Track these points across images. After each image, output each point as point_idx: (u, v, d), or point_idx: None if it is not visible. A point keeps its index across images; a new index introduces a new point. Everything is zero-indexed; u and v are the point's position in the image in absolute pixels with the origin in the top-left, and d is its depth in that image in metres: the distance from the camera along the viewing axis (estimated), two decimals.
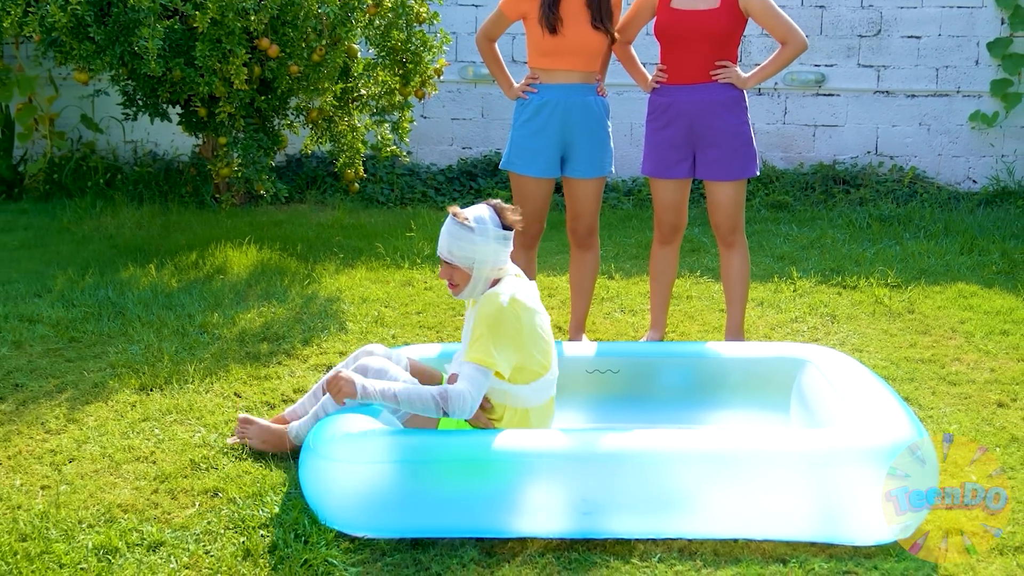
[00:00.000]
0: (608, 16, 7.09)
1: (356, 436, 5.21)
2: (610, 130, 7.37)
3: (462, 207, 5.61)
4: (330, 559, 4.90)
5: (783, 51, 7.18)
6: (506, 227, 5.63)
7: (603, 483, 5.08)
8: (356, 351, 6.02)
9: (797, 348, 6.52)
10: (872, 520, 5.00)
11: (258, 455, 5.84)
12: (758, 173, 7.45)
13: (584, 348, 6.74)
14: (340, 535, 5.05)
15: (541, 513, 5.06)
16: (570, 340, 7.47)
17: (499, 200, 5.72)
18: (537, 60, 7.23)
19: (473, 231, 5.55)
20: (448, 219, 5.62)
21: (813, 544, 5.07)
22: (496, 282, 5.64)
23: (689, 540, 5.06)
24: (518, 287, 5.59)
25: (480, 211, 5.63)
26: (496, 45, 7.51)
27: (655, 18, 7.26)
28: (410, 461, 5.10)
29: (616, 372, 6.54)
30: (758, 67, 7.23)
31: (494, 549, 5.05)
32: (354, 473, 5.11)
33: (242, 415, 6.03)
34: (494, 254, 5.60)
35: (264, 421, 6.00)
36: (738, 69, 7.15)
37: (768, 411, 6.33)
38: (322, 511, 5.12)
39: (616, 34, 7.16)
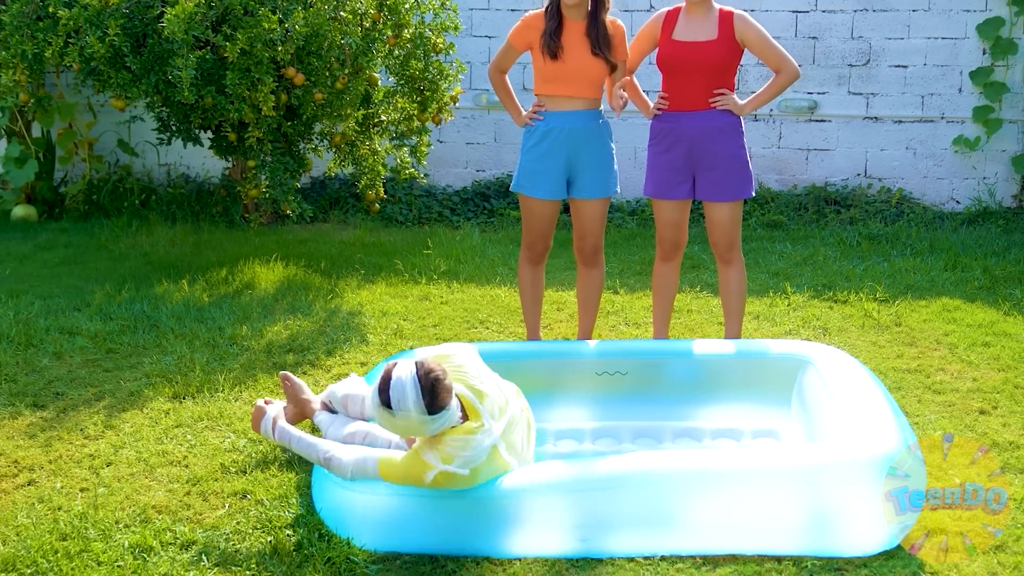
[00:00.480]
0: (606, 44, 7.08)
1: None
2: (614, 153, 7.37)
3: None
4: (351, 557, 4.91)
5: (777, 79, 7.19)
6: (437, 409, 4.94)
7: (601, 508, 5.07)
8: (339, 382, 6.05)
9: (801, 346, 6.55)
10: (861, 532, 4.99)
11: (285, 460, 5.85)
12: (754, 194, 7.48)
13: (593, 347, 6.79)
14: None
15: (541, 538, 5.05)
16: None
17: (432, 365, 5.00)
18: (541, 87, 7.25)
19: (392, 414, 4.95)
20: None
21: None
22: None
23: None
24: (460, 451, 4.99)
25: (403, 390, 4.92)
26: (507, 76, 7.53)
27: (657, 49, 7.27)
28: (420, 495, 5.10)
29: (624, 374, 6.55)
30: (754, 94, 7.24)
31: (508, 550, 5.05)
32: (369, 502, 5.13)
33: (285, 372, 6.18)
34: (421, 428, 4.98)
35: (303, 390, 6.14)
36: (735, 96, 7.16)
37: (771, 407, 6.36)
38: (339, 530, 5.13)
39: (615, 61, 7.16)
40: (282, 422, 5.59)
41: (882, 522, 4.96)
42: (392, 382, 4.95)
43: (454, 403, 5.05)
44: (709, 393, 6.52)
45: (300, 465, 5.78)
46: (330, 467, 5.22)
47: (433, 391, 4.93)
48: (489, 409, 5.21)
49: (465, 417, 5.16)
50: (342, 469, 5.17)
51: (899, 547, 4.99)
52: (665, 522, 5.04)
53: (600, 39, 7.07)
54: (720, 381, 6.54)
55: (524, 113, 7.34)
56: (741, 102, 7.19)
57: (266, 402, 5.78)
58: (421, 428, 4.97)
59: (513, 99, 7.50)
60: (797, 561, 4.93)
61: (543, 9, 7.19)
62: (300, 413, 6.10)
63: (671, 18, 7.24)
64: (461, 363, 5.35)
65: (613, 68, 7.17)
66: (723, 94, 7.12)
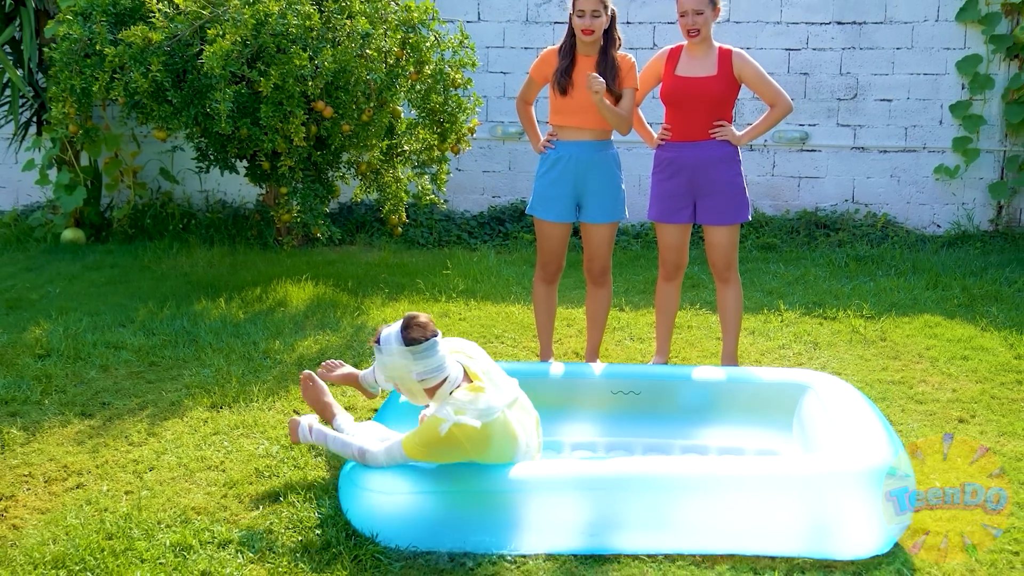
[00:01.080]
0: (613, 78, 7.13)
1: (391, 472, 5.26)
2: (622, 181, 7.40)
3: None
4: (376, 555, 4.92)
5: (772, 112, 7.21)
6: (410, 341, 5.23)
7: (610, 507, 5.09)
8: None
9: (802, 374, 6.53)
10: (854, 538, 4.99)
11: (314, 465, 5.86)
12: (750, 218, 7.47)
13: (605, 369, 6.79)
14: None
15: (552, 534, 5.06)
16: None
17: (419, 314, 5.33)
18: (554, 117, 7.32)
19: (380, 351, 5.33)
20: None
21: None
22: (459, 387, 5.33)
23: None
24: (470, 404, 5.17)
25: (390, 330, 5.32)
26: (532, 107, 7.58)
27: (660, 84, 7.32)
28: (434, 492, 5.14)
29: (638, 394, 6.54)
30: (750, 126, 7.26)
31: (519, 548, 5.06)
32: (390, 502, 5.14)
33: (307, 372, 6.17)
34: (405, 369, 5.25)
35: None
36: (733, 128, 7.18)
37: (773, 430, 6.34)
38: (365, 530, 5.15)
39: (619, 92, 7.19)
40: (318, 424, 5.64)
41: (874, 528, 4.96)
42: (385, 327, 5.35)
43: (449, 363, 5.33)
44: (716, 415, 6.50)
45: (328, 469, 5.79)
46: (365, 460, 5.27)
47: (407, 325, 5.24)
48: (491, 379, 5.40)
49: (469, 381, 5.34)
50: (376, 459, 5.24)
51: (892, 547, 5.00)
52: (668, 523, 5.04)
53: (608, 75, 7.12)
54: (726, 404, 6.51)
55: (540, 141, 7.41)
56: (739, 133, 7.22)
57: (296, 413, 5.81)
58: (404, 365, 5.25)
59: (535, 128, 7.59)
60: (789, 560, 4.94)
61: (559, 46, 7.28)
62: (322, 416, 6.08)
63: (674, 55, 7.29)
64: (461, 348, 5.63)
65: (619, 98, 7.20)
66: (722, 126, 7.15)
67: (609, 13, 7.11)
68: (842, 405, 5.86)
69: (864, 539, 4.96)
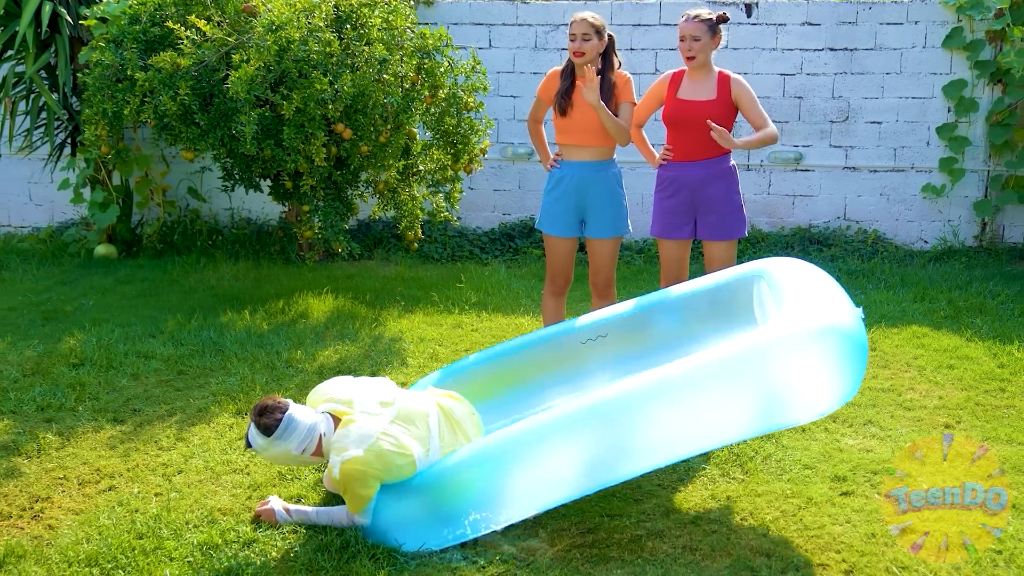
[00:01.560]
0: (610, 98, 7.21)
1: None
2: (624, 197, 7.42)
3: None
4: (392, 553, 4.92)
5: (761, 133, 7.13)
6: (268, 429, 5.12)
7: (580, 448, 5.06)
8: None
9: (755, 264, 6.39)
10: (807, 398, 4.91)
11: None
12: (747, 234, 7.46)
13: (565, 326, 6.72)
14: None
15: (540, 494, 5.06)
16: None
17: (262, 401, 5.21)
18: (557, 137, 7.39)
19: (258, 451, 5.22)
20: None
21: (791, 540, 5.07)
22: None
23: (687, 532, 5.05)
24: (344, 440, 5.13)
25: (249, 431, 5.22)
26: (542, 126, 7.63)
27: (663, 107, 7.32)
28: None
29: (605, 336, 6.52)
30: (743, 139, 7.16)
31: (529, 547, 5.06)
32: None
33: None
34: (284, 452, 5.17)
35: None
36: (729, 135, 7.07)
37: (739, 325, 6.19)
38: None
39: (616, 108, 7.24)
40: (293, 506, 5.41)
41: (829, 385, 4.90)
42: (248, 432, 5.23)
43: (317, 419, 5.24)
44: (685, 332, 6.40)
45: None
46: (355, 522, 5.18)
47: (257, 418, 5.15)
48: (361, 408, 5.28)
49: (338, 422, 5.28)
50: (356, 519, 5.15)
51: (876, 536, 4.98)
52: (635, 446, 5.01)
53: (605, 95, 7.19)
54: (692, 317, 6.43)
55: (548, 159, 7.47)
56: (733, 139, 7.10)
57: (261, 504, 5.46)
58: (281, 449, 5.17)
59: (544, 147, 7.65)
60: (784, 559, 4.92)
61: (563, 67, 7.36)
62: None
63: (676, 79, 7.30)
64: (323, 388, 5.54)
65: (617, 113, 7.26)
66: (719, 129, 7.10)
67: (605, 38, 7.21)
68: (793, 280, 5.71)
69: (820, 398, 4.90)
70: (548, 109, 7.52)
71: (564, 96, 7.25)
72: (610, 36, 7.28)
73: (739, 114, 7.35)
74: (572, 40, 7.15)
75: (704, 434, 4.97)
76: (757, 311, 6.10)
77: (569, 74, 7.27)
